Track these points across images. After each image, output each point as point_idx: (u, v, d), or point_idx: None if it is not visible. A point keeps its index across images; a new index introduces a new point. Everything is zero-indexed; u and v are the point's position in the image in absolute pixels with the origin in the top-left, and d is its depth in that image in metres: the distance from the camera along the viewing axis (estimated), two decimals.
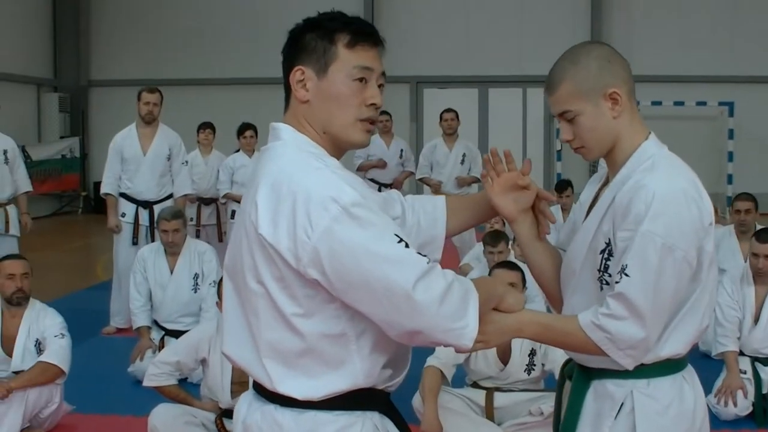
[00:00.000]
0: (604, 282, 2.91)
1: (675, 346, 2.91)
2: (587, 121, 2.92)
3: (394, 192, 3.22)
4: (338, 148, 2.78)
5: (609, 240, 2.88)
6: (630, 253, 2.78)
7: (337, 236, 2.45)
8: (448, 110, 12.79)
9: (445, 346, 2.60)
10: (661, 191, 2.78)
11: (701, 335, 2.99)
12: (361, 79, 2.71)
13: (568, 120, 2.95)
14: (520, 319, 2.87)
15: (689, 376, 3.02)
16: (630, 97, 2.96)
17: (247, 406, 2.82)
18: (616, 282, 2.80)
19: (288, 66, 2.75)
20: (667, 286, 2.78)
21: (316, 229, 2.46)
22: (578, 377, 3.09)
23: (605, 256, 2.90)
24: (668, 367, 2.93)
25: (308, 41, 2.71)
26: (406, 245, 2.50)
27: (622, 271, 2.79)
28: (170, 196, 10.06)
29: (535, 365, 6.29)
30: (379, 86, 2.78)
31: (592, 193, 3.14)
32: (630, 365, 2.87)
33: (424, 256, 2.52)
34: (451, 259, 11.53)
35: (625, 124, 2.94)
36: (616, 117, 2.92)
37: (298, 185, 2.51)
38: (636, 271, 2.77)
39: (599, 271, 2.92)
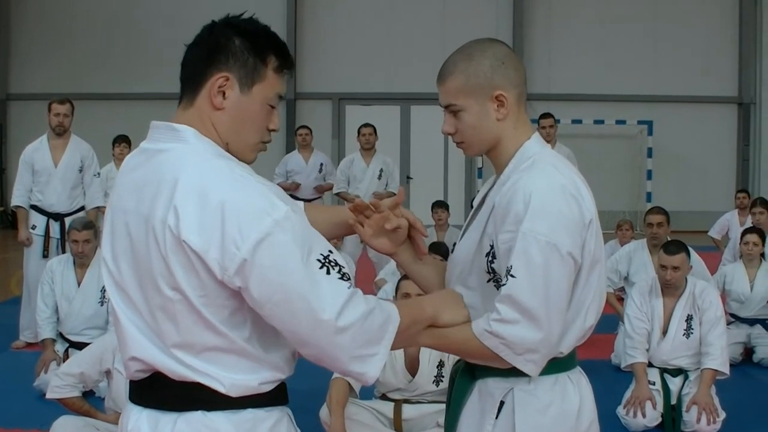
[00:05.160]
0: (494, 283, 2.86)
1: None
2: (470, 118, 2.92)
3: None
4: None
5: (492, 242, 2.85)
6: (514, 254, 2.73)
7: (266, 251, 2.37)
8: (366, 125, 12.76)
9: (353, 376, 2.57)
10: (538, 189, 2.75)
11: (585, 335, 2.93)
12: (272, 106, 2.67)
13: (453, 113, 2.95)
14: None
15: (575, 377, 2.97)
16: (518, 101, 2.94)
17: (152, 423, 2.58)
18: (503, 284, 2.76)
19: (206, 64, 2.61)
20: (557, 284, 2.74)
21: (246, 241, 2.36)
22: (462, 375, 3.06)
23: (489, 258, 2.87)
24: (551, 366, 2.87)
25: (238, 49, 2.58)
26: (333, 266, 2.45)
27: (508, 272, 2.74)
28: (82, 208, 9.92)
29: (443, 376, 6.24)
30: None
31: (482, 195, 3.10)
32: (533, 371, 2.81)
33: (347, 280, 2.46)
34: (367, 273, 11.51)
35: (508, 127, 2.93)
36: (501, 119, 2.91)
37: (226, 194, 2.40)
38: (522, 272, 2.72)
39: (487, 273, 2.89)
